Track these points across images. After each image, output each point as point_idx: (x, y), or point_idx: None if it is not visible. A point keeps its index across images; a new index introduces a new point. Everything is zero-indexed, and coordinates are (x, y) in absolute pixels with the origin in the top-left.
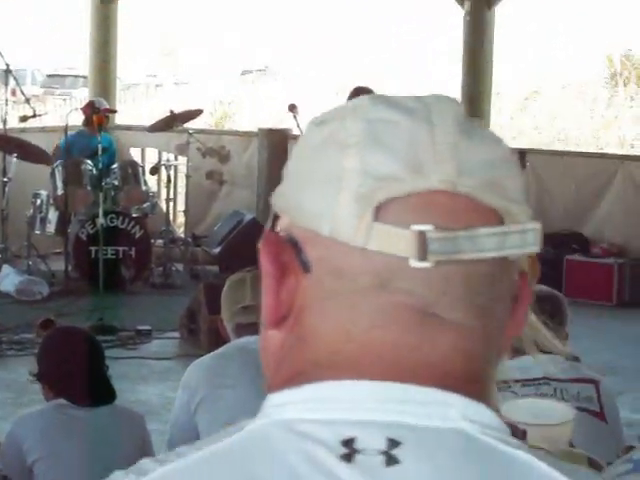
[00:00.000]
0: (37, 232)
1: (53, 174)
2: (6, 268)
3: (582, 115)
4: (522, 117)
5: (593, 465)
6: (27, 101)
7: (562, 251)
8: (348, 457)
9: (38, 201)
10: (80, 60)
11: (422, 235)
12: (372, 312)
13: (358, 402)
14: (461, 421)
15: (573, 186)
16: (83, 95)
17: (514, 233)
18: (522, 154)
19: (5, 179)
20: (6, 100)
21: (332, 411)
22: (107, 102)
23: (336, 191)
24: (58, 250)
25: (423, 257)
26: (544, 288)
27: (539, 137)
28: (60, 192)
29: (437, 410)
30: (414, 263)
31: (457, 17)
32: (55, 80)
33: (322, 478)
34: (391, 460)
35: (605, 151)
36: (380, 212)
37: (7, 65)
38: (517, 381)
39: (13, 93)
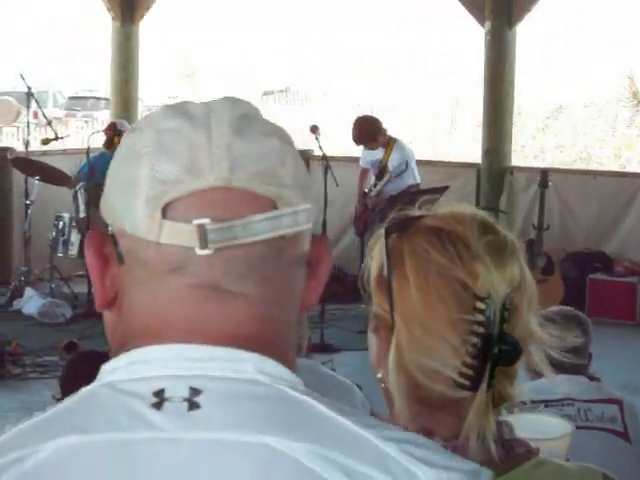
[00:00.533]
0: (60, 255)
1: (75, 196)
2: (29, 291)
3: (604, 134)
4: (544, 136)
5: None
6: (49, 124)
7: (585, 270)
8: (158, 405)
9: (61, 224)
10: (101, 82)
11: (202, 228)
12: (169, 293)
13: (167, 361)
14: (256, 374)
15: (595, 205)
16: (105, 117)
17: (286, 215)
18: (544, 173)
19: (28, 202)
20: (28, 123)
21: (146, 370)
22: (129, 123)
23: (133, 195)
24: (81, 272)
25: (205, 246)
26: (568, 309)
27: (561, 156)
28: (82, 215)
29: (234, 365)
30: (198, 251)
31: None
32: (77, 102)
33: (137, 423)
34: (193, 405)
35: (627, 170)
36: (168, 211)
37: (29, 88)
38: (540, 402)
39: (35, 116)
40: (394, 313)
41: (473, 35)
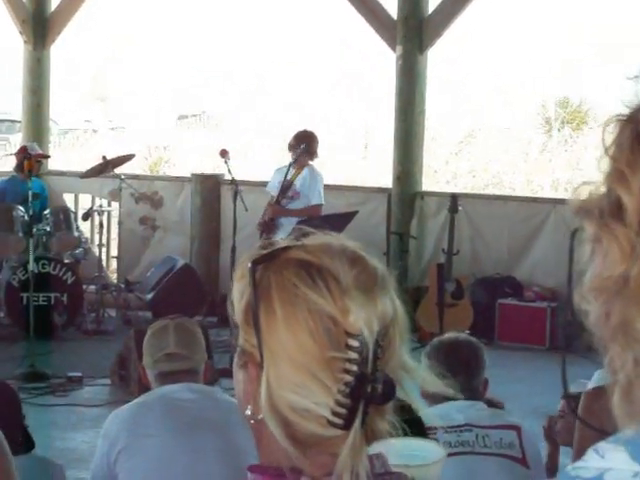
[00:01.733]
0: None
1: None
2: None
3: (516, 159)
4: (457, 161)
5: None
6: None
7: (495, 295)
8: None
9: None
10: (16, 105)
11: None
12: None
13: None
14: None
15: (506, 230)
16: (20, 140)
17: None
18: (454, 198)
19: None
20: None
21: None
22: (41, 147)
23: None
24: None
25: None
26: (461, 335)
27: (473, 181)
28: None
29: None
30: None
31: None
32: None
33: None
34: None
35: (538, 195)
36: None
37: None
38: (439, 428)
39: None
40: (263, 349)
41: (385, 59)
